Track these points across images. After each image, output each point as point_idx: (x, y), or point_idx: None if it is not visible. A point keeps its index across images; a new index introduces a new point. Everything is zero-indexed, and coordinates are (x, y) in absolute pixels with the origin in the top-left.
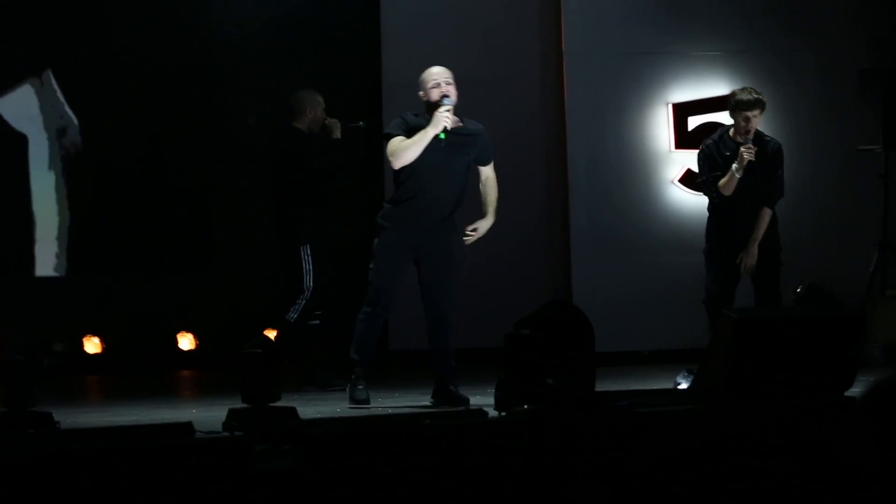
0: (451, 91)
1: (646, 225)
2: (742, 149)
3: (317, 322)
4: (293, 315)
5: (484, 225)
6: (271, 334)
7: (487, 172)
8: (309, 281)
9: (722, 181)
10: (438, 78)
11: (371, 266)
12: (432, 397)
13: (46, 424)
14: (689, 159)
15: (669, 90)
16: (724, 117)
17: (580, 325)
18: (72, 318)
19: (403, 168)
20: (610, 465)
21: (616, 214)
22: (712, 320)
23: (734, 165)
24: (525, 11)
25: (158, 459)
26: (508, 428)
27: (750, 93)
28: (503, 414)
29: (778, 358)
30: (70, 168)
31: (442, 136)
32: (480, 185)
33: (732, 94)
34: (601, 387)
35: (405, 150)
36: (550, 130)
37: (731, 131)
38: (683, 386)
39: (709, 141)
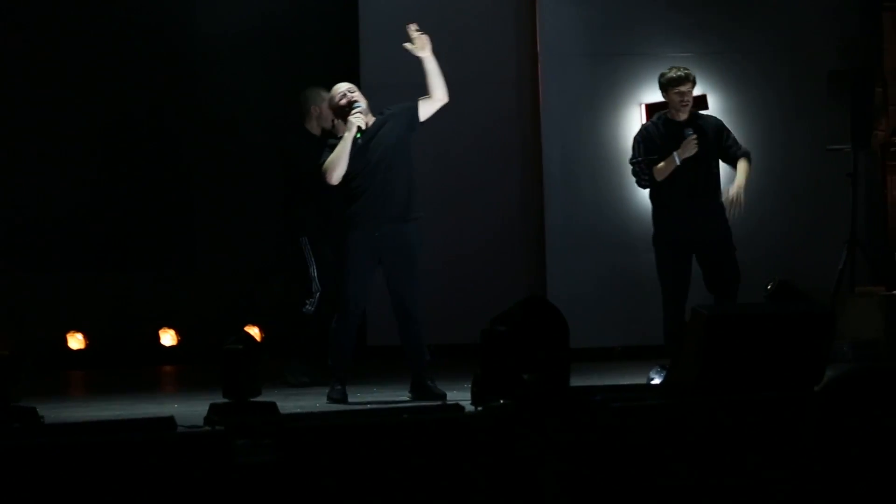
0: (358, 97)
1: (619, 223)
2: (689, 141)
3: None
4: (310, 308)
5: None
6: (252, 330)
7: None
8: (313, 272)
9: (660, 165)
10: (343, 90)
11: (341, 273)
12: (410, 392)
13: (31, 419)
14: None
15: (642, 91)
16: None
17: (555, 322)
18: (55, 315)
19: (346, 178)
20: (583, 458)
21: (590, 212)
22: (668, 317)
23: (676, 152)
24: (501, 13)
25: (141, 453)
26: (485, 422)
27: (678, 70)
28: (480, 408)
29: (749, 354)
30: (50, 165)
31: (358, 135)
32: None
33: (661, 76)
34: (575, 382)
35: (332, 164)
36: (526, 130)
37: (669, 113)
38: (657, 381)
39: (647, 123)
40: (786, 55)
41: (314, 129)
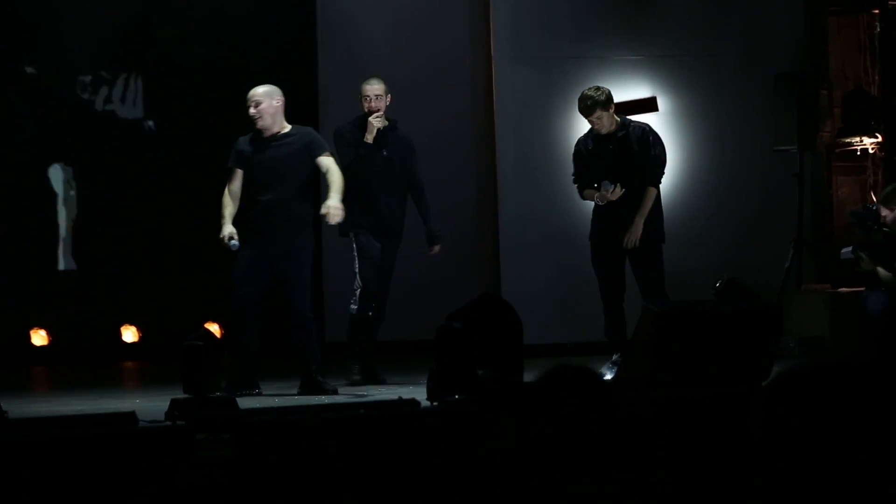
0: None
1: (571, 221)
2: (601, 192)
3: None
4: (353, 307)
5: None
6: (212, 327)
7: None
8: (356, 267)
9: (585, 192)
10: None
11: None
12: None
13: None
14: None
15: None
16: (645, 118)
17: (509, 318)
18: (18, 312)
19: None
20: (535, 453)
21: (543, 211)
22: (605, 313)
23: (596, 195)
24: (455, 15)
25: (103, 448)
26: (440, 417)
27: (584, 100)
28: (435, 404)
29: (698, 349)
30: (12, 159)
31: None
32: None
33: (578, 101)
34: (529, 378)
35: None
36: (480, 130)
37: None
38: (608, 377)
39: (580, 138)
40: (734, 58)
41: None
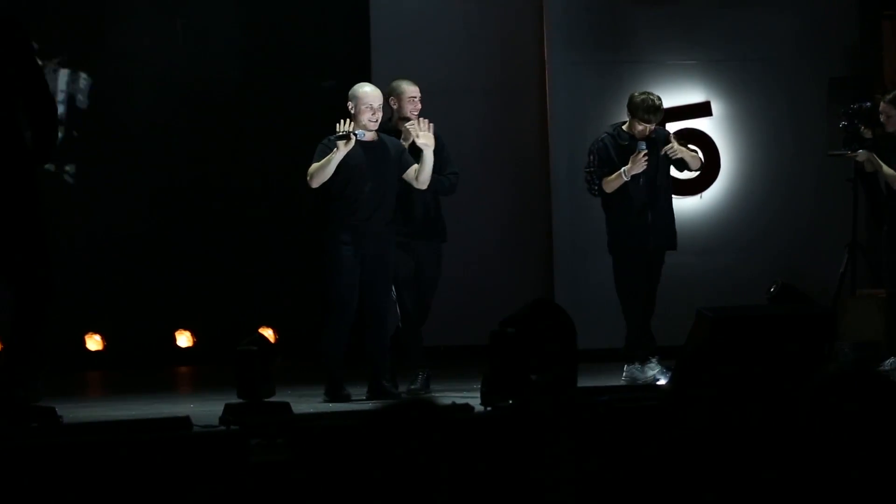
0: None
1: None
2: (637, 158)
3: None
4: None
5: None
6: (266, 332)
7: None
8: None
9: (609, 178)
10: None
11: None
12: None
13: (49, 419)
14: None
15: None
16: (700, 123)
17: (562, 324)
18: (73, 316)
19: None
20: (590, 458)
21: (596, 217)
22: (629, 318)
23: (624, 169)
24: (509, 21)
25: (157, 452)
26: (494, 422)
27: (651, 101)
28: (489, 409)
29: (752, 355)
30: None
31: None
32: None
33: (632, 99)
34: (582, 383)
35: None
36: (534, 137)
37: (626, 126)
38: (662, 382)
39: (603, 134)
40: (787, 62)
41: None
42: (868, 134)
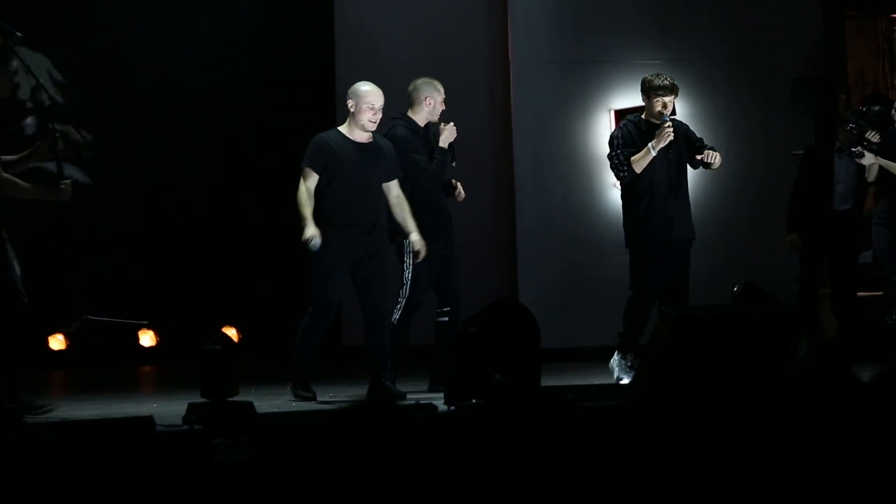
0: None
1: (589, 225)
2: (665, 128)
3: (445, 319)
4: (396, 315)
5: None
6: (230, 331)
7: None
8: (408, 275)
9: (637, 156)
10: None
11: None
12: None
13: (12, 419)
14: None
15: (611, 97)
16: None
17: (526, 323)
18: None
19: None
20: (555, 457)
21: (560, 215)
22: (635, 310)
23: (651, 143)
24: (473, 19)
25: (120, 452)
26: (457, 422)
27: (665, 78)
28: (452, 408)
29: (715, 354)
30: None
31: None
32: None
33: (646, 80)
34: (546, 382)
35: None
36: (497, 134)
37: (645, 114)
38: (625, 381)
39: (624, 122)
40: (751, 62)
41: (421, 120)
42: (875, 138)
